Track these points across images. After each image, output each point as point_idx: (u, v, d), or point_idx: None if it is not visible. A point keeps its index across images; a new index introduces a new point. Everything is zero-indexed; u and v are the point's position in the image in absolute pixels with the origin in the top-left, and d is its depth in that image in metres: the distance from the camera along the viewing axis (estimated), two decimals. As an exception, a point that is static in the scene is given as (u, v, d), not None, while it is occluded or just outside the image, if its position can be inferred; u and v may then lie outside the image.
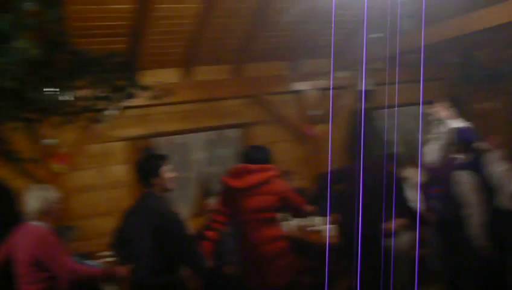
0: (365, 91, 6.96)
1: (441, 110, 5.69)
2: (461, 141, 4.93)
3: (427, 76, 7.02)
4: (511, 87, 8.48)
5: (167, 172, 3.62)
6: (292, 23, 6.07)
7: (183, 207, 6.18)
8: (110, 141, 5.97)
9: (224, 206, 4.33)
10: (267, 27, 5.99)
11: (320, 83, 7.02)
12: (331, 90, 7.07)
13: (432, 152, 5.47)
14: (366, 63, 6.24)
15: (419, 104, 7.44)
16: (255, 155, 4.26)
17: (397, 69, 5.64)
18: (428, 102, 7.40)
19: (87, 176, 5.88)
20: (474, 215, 4.59)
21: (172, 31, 5.55)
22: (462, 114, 7.48)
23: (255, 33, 6.02)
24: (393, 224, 4.44)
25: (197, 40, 5.76)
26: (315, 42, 6.53)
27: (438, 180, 5.00)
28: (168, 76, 6.10)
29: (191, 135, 6.47)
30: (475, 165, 4.81)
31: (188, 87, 6.20)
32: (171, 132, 6.34)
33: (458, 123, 5.43)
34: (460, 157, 4.89)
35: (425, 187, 5.36)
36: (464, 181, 4.68)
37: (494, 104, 8.30)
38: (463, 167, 4.79)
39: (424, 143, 5.94)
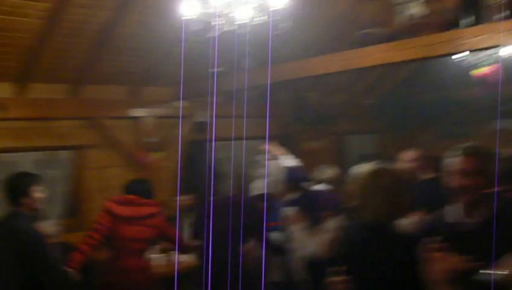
0: (202, 122, 7.95)
1: (273, 148, 6.44)
2: (291, 179, 5.74)
3: (263, 113, 8.24)
4: (336, 128, 10.19)
5: (36, 192, 3.98)
6: (136, 50, 6.73)
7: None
8: None
9: (102, 226, 4.93)
10: (110, 50, 6.52)
11: (159, 110, 7.73)
12: (169, 119, 7.82)
13: (259, 188, 6.23)
14: (206, 95, 7.28)
15: (254, 138, 8.70)
16: (138, 187, 5.06)
17: (234, 102, 6.73)
18: (261, 137, 8.68)
19: None
20: (298, 250, 5.24)
21: (9, 43, 5.83)
22: (293, 151, 8.88)
23: (97, 55, 6.50)
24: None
25: (35, 56, 6.08)
26: (156, 70, 7.28)
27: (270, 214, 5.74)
28: (0, 90, 6.34)
29: (21, 153, 6.70)
30: (303, 203, 5.54)
31: (22, 103, 6.47)
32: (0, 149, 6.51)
33: (289, 161, 6.19)
34: (290, 194, 5.69)
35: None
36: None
37: (321, 143, 9.85)
38: (292, 203, 5.53)
39: (254, 178, 6.96)
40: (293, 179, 5.71)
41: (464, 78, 8.11)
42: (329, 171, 7.47)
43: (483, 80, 7.52)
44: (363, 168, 3.03)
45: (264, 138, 8.24)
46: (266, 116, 8.25)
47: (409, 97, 10.92)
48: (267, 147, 6.40)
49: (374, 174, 2.93)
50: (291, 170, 5.86)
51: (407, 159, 6.23)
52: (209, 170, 7.77)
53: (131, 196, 5.10)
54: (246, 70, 5.68)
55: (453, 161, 2.90)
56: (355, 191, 2.97)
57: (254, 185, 6.33)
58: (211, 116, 7.11)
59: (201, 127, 7.80)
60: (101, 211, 5.11)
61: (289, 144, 8.81)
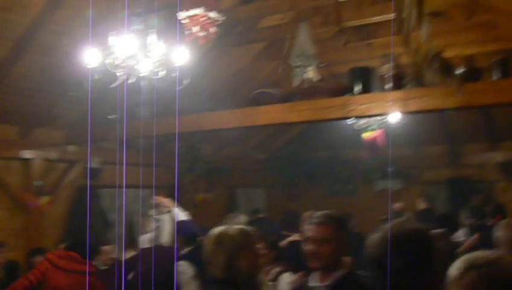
0: (92, 169, 7.85)
1: (164, 200, 6.37)
2: (184, 233, 5.61)
3: (157, 162, 8.27)
4: (226, 181, 10.38)
5: None
6: (29, 90, 6.68)
7: None
8: None
9: (38, 271, 4.91)
10: (4, 89, 6.36)
11: (49, 153, 7.55)
12: (59, 163, 7.70)
13: (149, 240, 6.24)
14: (97, 141, 7.23)
15: (146, 187, 8.66)
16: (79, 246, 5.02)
17: (124, 150, 6.73)
18: (152, 186, 8.66)
19: None
20: None
21: None
22: (183, 202, 8.91)
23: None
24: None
25: None
26: (50, 112, 7.23)
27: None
28: None
29: None
30: (195, 256, 5.30)
31: None
32: None
33: (180, 213, 6.13)
34: (183, 248, 5.54)
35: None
36: (182, 271, 5.23)
37: (212, 194, 9.98)
38: (183, 257, 5.40)
39: (145, 230, 6.94)
40: (186, 233, 5.71)
41: (354, 139, 8.62)
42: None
43: (371, 143, 8.02)
44: (215, 230, 3.18)
45: (158, 186, 8.27)
46: (159, 165, 8.35)
47: (299, 154, 11.37)
48: (156, 199, 6.35)
49: (218, 237, 3.11)
50: (183, 224, 5.84)
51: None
52: (100, 218, 7.68)
53: (73, 253, 5.13)
54: (125, 118, 5.70)
55: (307, 228, 2.96)
56: (206, 250, 3.15)
57: (144, 237, 6.31)
58: (109, 163, 7.07)
59: (93, 173, 7.69)
60: (42, 261, 5.17)
61: (180, 195, 8.89)
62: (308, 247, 2.90)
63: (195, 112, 6.36)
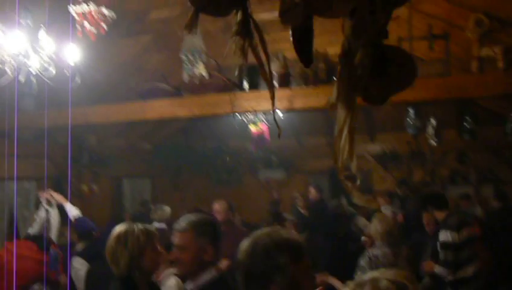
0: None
1: (55, 194, 6.22)
2: (78, 229, 5.60)
3: (38, 153, 8.06)
4: (111, 171, 10.27)
5: None
6: None
7: None
8: None
9: None
10: None
11: None
12: None
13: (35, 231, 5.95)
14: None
15: (31, 179, 8.42)
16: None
17: (6, 142, 6.53)
18: (36, 178, 8.45)
19: None
20: None
21: None
22: (68, 193, 8.74)
23: None
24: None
25: None
26: None
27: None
28: None
29: None
30: (90, 253, 5.41)
31: None
32: None
33: (72, 209, 5.98)
34: (78, 244, 5.56)
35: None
36: (77, 267, 5.27)
37: (98, 185, 9.84)
38: (79, 254, 5.44)
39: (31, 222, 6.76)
40: (81, 229, 5.66)
41: (240, 131, 8.84)
42: (161, 211, 7.47)
43: (257, 136, 8.28)
44: (116, 229, 3.26)
45: (42, 178, 8.08)
46: (43, 157, 8.13)
47: (185, 144, 11.46)
48: (46, 193, 6.18)
49: (122, 236, 3.19)
50: (79, 220, 5.76)
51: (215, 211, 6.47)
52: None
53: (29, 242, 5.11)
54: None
55: (173, 235, 3.08)
56: (109, 248, 3.22)
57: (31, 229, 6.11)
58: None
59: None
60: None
61: (65, 186, 8.72)
62: (173, 253, 3.03)
63: (82, 105, 6.28)
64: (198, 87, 5.59)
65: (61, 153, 8.67)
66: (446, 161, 11.09)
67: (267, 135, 8.32)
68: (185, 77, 5.92)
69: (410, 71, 1.20)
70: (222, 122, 9.75)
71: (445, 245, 5.47)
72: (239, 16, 1.30)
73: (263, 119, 8.16)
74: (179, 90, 5.84)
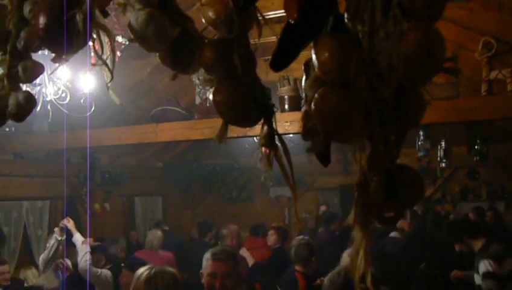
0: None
1: (70, 223, 6.18)
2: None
3: (52, 173, 8.18)
4: (123, 190, 10.35)
5: None
6: None
7: None
8: None
9: None
10: None
11: None
12: None
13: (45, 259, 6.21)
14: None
15: (44, 198, 8.51)
16: None
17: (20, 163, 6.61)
18: (50, 198, 8.54)
19: None
20: None
21: None
22: (82, 212, 8.83)
23: None
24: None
25: None
26: None
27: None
28: None
29: None
30: None
31: None
32: None
33: (79, 238, 6.07)
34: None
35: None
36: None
37: (109, 203, 9.91)
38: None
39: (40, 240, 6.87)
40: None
41: (251, 150, 8.89)
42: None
43: (268, 155, 8.31)
44: (140, 272, 3.19)
45: (56, 197, 8.17)
46: (57, 176, 8.24)
47: (196, 162, 11.54)
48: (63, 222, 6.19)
49: (148, 281, 3.11)
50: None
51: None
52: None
53: None
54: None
55: (205, 264, 3.13)
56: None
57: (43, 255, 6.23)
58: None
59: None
60: None
61: (76, 204, 8.82)
62: (206, 282, 3.10)
63: (94, 127, 6.37)
64: (210, 110, 5.65)
65: (74, 173, 8.79)
66: (457, 178, 11.10)
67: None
68: (197, 100, 6.00)
69: (418, 191, 1.28)
70: (233, 142, 9.82)
71: (488, 275, 5.02)
72: (265, 129, 1.41)
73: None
74: (190, 112, 5.92)
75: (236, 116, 1.53)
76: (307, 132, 1.40)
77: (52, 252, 6.02)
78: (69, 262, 6.48)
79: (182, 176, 11.20)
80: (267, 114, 1.47)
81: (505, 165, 10.31)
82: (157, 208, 11.75)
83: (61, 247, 6.04)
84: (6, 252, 7.68)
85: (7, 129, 6.92)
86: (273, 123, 1.44)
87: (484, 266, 5.03)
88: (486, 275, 5.00)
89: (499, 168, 10.52)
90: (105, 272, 5.88)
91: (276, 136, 1.44)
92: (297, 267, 5.29)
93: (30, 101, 1.69)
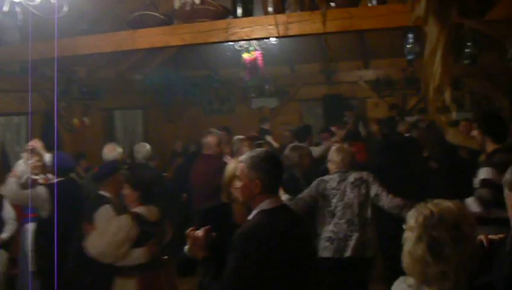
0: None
1: (38, 145, 5.81)
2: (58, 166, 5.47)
3: (25, 88, 7.87)
4: (102, 104, 10.11)
5: None
6: None
7: None
8: None
9: None
10: None
11: None
12: None
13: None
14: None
15: (21, 114, 8.26)
16: None
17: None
18: (26, 113, 8.29)
19: None
20: None
21: None
22: (60, 127, 8.62)
23: None
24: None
25: None
26: None
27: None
28: None
29: None
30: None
31: None
32: None
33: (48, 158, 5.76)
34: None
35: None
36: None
37: (89, 118, 9.70)
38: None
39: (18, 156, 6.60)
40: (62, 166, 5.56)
41: (233, 60, 8.66)
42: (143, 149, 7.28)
43: (250, 64, 8.12)
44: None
45: (28, 113, 7.93)
46: (33, 91, 7.97)
47: (176, 74, 11.26)
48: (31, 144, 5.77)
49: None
50: (59, 158, 5.66)
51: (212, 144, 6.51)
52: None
53: None
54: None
55: None
56: None
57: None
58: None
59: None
60: None
61: (53, 120, 8.59)
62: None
63: (70, 35, 6.06)
64: (190, 15, 5.37)
65: (50, 87, 8.50)
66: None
67: (260, 61, 8.16)
68: (176, 4, 5.68)
69: None
70: (214, 51, 9.54)
71: (486, 183, 4.61)
72: None
73: (256, 47, 7.98)
74: (169, 17, 5.62)
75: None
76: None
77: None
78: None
79: (162, 88, 10.93)
80: None
81: (491, 75, 10.20)
82: (137, 121, 11.56)
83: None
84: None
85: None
86: None
87: (484, 173, 4.66)
88: (483, 183, 4.66)
89: (483, 78, 10.43)
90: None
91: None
92: None
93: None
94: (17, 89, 7.84)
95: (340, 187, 5.08)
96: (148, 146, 7.17)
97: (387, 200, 4.96)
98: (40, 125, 8.52)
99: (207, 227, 2.94)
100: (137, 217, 4.34)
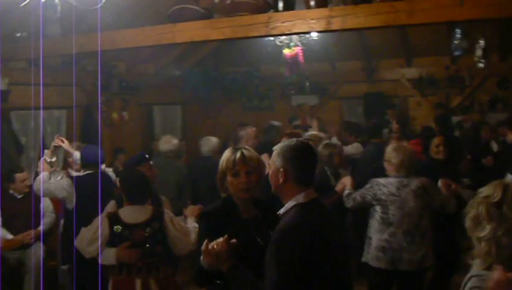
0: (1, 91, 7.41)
1: (65, 143, 5.86)
2: (85, 158, 5.51)
3: (66, 81, 7.91)
4: (141, 99, 10.13)
5: None
6: None
7: None
8: None
9: None
10: None
11: None
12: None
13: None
14: (4, 61, 6.79)
15: (61, 107, 8.31)
16: None
17: (42, 71, 6.38)
18: (66, 107, 8.35)
19: None
20: None
21: None
22: (93, 122, 8.64)
23: None
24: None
25: None
26: None
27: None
28: None
29: None
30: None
31: None
32: None
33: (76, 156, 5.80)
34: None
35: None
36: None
37: (128, 113, 9.74)
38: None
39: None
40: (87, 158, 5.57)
41: (273, 56, 8.54)
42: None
43: (291, 59, 8.00)
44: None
45: (68, 107, 7.97)
46: (72, 85, 8.01)
47: (216, 70, 11.22)
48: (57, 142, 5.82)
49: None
50: (86, 149, 5.73)
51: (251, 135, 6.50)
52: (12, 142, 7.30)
53: None
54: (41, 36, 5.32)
55: None
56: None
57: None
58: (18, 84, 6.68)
59: (2, 95, 7.20)
60: None
61: (94, 114, 8.64)
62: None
63: (110, 29, 6.04)
64: (230, 8, 5.29)
65: (90, 81, 8.56)
66: (486, 87, 10.67)
67: (301, 57, 8.02)
68: (217, -1, 5.61)
69: None
70: (254, 46, 9.44)
71: None
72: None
73: (297, 42, 7.85)
74: (209, 11, 5.55)
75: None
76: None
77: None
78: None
79: (201, 84, 10.88)
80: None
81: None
82: (176, 117, 11.56)
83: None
84: (25, 162, 7.57)
85: (18, 34, 6.63)
86: None
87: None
88: None
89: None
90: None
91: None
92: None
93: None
94: (58, 83, 7.89)
95: (401, 194, 4.72)
96: (214, 139, 7.06)
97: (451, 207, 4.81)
98: (80, 119, 8.58)
99: (225, 237, 2.75)
100: (112, 217, 4.27)
